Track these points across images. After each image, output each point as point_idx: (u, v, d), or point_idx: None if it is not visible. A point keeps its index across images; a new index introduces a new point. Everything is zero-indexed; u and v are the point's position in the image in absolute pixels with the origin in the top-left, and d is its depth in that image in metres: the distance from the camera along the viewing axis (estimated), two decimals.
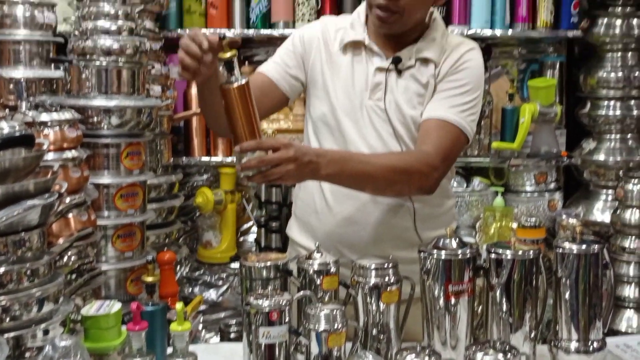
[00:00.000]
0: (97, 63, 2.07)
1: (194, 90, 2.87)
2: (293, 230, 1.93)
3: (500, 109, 2.96)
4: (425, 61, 1.78)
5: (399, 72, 1.78)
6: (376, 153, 1.74)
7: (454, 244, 1.48)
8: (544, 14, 2.92)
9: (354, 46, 1.82)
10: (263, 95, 1.79)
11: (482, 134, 2.97)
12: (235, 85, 1.48)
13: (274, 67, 1.85)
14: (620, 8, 3.00)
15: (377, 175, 1.66)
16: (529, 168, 3.03)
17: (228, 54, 1.48)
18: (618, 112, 3.02)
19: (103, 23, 2.11)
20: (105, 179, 2.04)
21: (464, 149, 1.87)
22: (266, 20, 2.92)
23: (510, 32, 2.93)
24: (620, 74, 3.01)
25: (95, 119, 2.06)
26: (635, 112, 3.00)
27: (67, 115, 1.89)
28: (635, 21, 2.98)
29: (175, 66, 2.95)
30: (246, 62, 3.05)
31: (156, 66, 2.53)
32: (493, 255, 1.47)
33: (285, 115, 2.90)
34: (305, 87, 1.88)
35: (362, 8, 1.86)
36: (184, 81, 2.92)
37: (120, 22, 2.12)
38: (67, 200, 1.73)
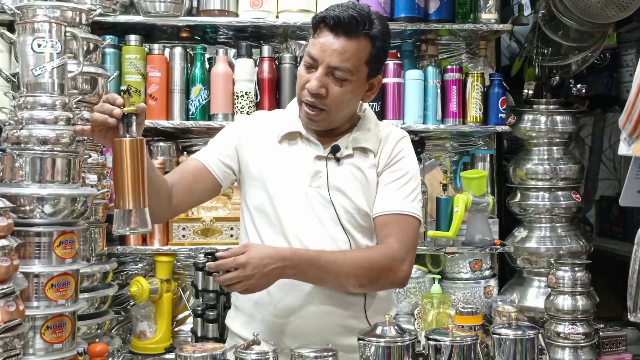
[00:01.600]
0: (32, 152, 2.03)
1: None
2: (232, 320, 1.88)
3: (435, 199, 3.02)
4: (363, 150, 1.81)
5: (338, 161, 1.80)
6: (343, 251, 1.73)
7: (393, 331, 1.47)
8: (473, 110, 3.03)
9: (291, 137, 1.84)
10: (195, 181, 1.78)
11: None
12: (128, 138, 1.46)
13: (207, 154, 1.85)
14: (544, 106, 3.15)
15: (346, 275, 1.66)
16: (464, 256, 3.06)
17: (128, 108, 1.47)
18: (547, 202, 3.12)
19: (40, 113, 2.08)
20: (36, 267, 1.96)
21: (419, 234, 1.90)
22: (205, 112, 2.94)
23: (442, 126, 3.02)
24: (547, 166, 3.13)
25: (27, 207, 1.99)
26: (562, 202, 3.10)
27: None
28: (558, 118, 3.12)
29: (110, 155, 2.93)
30: (184, 153, 3.05)
31: (93, 155, 2.50)
32: (432, 342, 1.47)
33: (224, 204, 2.88)
34: (238, 178, 1.88)
35: (294, 103, 1.89)
36: None
37: (57, 112, 2.09)
38: None
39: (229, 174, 1.85)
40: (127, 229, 1.44)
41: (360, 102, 1.88)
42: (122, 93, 1.46)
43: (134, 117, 1.46)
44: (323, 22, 1.71)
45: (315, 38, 1.73)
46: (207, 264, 1.51)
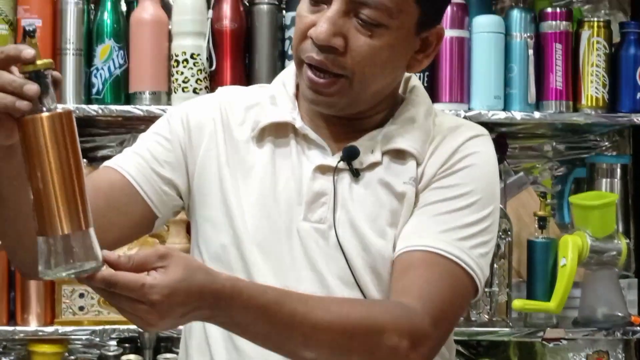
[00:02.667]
0: None
1: None
2: None
3: (526, 243, 3.01)
4: (399, 155, 1.80)
5: (356, 174, 1.79)
6: (324, 299, 1.71)
7: None
8: (592, 88, 3.04)
9: (277, 132, 1.84)
10: (110, 207, 1.76)
11: (496, 284, 2.98)
12: (46, 113, 1.40)
13: (133, 162, 1.83)
14: None
15: (320, 339, 1.63)
16: (577, 345, 3.06)
17: (39, 62, 1.41)
18: None
19: None
20: None
21: (469, 304, 1.87)
22: (121, 89, 2.96)
23: (537, 115, 3.01)
24: None
25: None
26: None
27: None
28: None
29: None
30: (84, 160, 3.03)
31: None
32: None
33: (152, 248, 2.87)
34: (186, 202, 1.89)
35: (289, 72, 1.89)
36: None
37: None
38: None
39: (170, 197, 1.84)
40: (64, 268, 1.42)
41: (408, 75, 1.88)
42: (29, 37, 1.43)
43: (50, 76, 1.43)
44: None
45: None
46: (99, 275, 1.45)
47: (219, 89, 1.99)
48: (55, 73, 1.43)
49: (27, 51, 1.37)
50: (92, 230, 1.44)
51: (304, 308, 1.63)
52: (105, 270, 1.43)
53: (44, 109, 1.39)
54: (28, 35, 1.40)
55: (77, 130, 1.42)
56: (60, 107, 1.41)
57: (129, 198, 1.81)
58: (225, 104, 1.90)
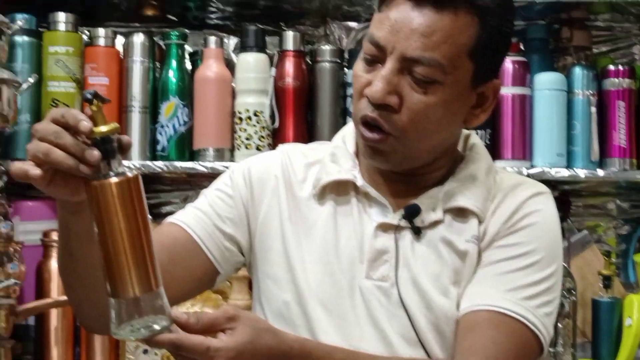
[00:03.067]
0: None
1: (54, 263, 2.85)
2: None
3: (590, 302, 2.99)
4: (461, 213, 1.81)
5: (417, 232, 1.79)
6: (392, 357, 1.72)
7: None
8: None
9: (339, 189, 1.85)
10: (173, 262, 1.77)
11: (560, 344, 2.95)
12: (115, 179, 1.41)
13: (195, 218, 1.85)
14: None
15: None
16: None
17: (104, 128, 1.41)
18: None
19: None
20: None
21: None
22: (185, 146, 2.98)
23: (601, 172, 2.99)
24: None
25: None
26: None
27: None
28: None
29: (25, 222, 2.95)
30: (149, 217, 3.05)
31: None
32: None
33: (214, 306, 2.87)
34: (248, 259, 1.89)
35: (349, 130, 1.91)
36: (38, 247, 2.92)
37: None
38: None
39: (232, 253, 1.86)
40: (135, 328, 1.43)
41: (467, 132, 1.89)
42: (88, 104, 1.43)
43: (115, 142, 1.45)
44: None
45: (382, 12, 1.74)
46: (163, 337, 1.45)
47: (280, 146, 2.01)
48: (125, 138, 1.44)
49: (84, 123, 1.37)
50: (162, 290, 1.45)
51: None
52: (172, 334, 1.45)
53: (111, 173, 1.40)
54: (86, 102, 1.41)
55: (143, 191, 1.44)
56: (128, 169, 1.42)
57: (192, 254, 1.82)
58: (286, 161, 1.91)
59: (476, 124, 1.84)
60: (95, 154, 1.38)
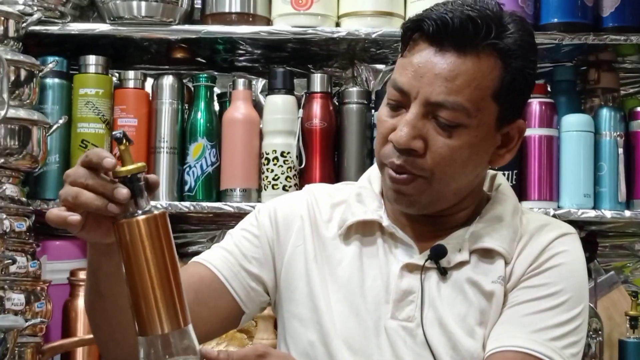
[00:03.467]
0: None
1: (80, 302, 2.86)
2: None
3: (617, 343, 2.96)
4: (487, 254, 1.81)
5: (444, 273, 1.80)
6: None
7: None
8: None
9: (364, 230, 1.85)
10: (199, 302, 1.77)
11: None
12: (142, 216, 1.41)
13: (221, 258, 1.86)
14: None
15: None
16: None
17: (132, 167, 1.42)
18: None
19: None
20: None
21: None
22: (212, 186, 2.99)
23: (628, 213, 2.98)
24: None
25: None
26: None
27: None
28: None
29: (53, 261, 2.97)
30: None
31: (19, 260, 2.55)
32: None
33: (239, 344, 2.87)
34: (273, 298, 1.90)
35: (375, 170, 1.91)
36: (66, 286, 2.93)
37: None
38: None
39: (257, 293, 1.86)
40: None
41: (493, 173, 1.90)
42: (117, 143, 1.44)
43: (142, 180, 1.45)
44: (419, 29, 1.73)
45: (405, 57, 1.75)
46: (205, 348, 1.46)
47: (306, 187, 2.01)
48: (153, 177, 1.45)
49: (108, 160, 1.39)
50: (190, 328, 1.45)
51: None
52: None
53: (139, 211, 1.41)
54: (116, 141, 1.42)
55: (170, 229, 1.44)
56: (155, 207, 1.42)
57: (217, 293, 1.83)
58: (312, 201, 1.92)
59: (502, 164, 1.85)
60: (123, 192, 1.38)
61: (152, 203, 2.74)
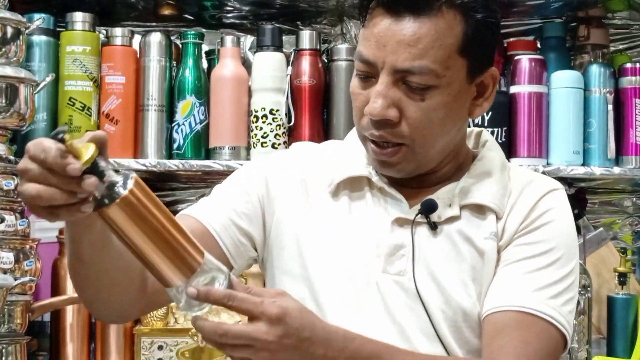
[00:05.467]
0: None
1: None
2: None
3: (606, 299, 2.99)
4: (478, 210, 1.82)
5: (434, 227, 1.81)
6: (428, 355, 1.74)
7: None
8: None
9: (353, 185, 1.86)
10: None
11: (575, 341, 2.95)
12: (121, 195, 1.40)
13: (212, 212, 1.86)
14: None
15: None
16: None
17: (87, 156, 1.38)
18: None
19: None
20: None
21: None
22: (201, 144, 3.00)
23: (617, 170, 3.00)
24: None
25: None
26: None
27: None
28: None
29: (41, 219, 2.97)
30: None
31: (7, 218, 2.57)
32: None
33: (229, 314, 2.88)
34: (261, 254, 1.91)
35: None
36: (54, 244, 2.95)
37: None
38: None
39: (246, 248, 1.87)
40: (198, 303, 1.46)
41: (478, 130, 1.91)
42: (61, 143, 1.40)
43: (102, 161, 1.41)
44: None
45: (367, 28, 1.76)
46: (198, 288, 1.46)
47: (294, 145, 2.03)
48: (98, 136, 1.41)
49: (72, 167, 1.34)
50: (207, 255, 1.47)
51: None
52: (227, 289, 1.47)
53: (115, 188, 1.39)
54: (59, 142, 1.36)
55: (147, 187, 1.43)
56: (122, 173, 1.41)
57: (207, 247, 1.80)
58: (300, 159, 1.93)
59: (481, 113, 1.87)
60: (92, 181, 1.36)
61: (142, 162, 2.76)
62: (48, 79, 2.84)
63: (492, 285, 1.79)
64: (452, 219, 1.81)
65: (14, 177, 2.65)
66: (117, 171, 1.41)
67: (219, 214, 1.85)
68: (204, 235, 1.82)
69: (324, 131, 3.01)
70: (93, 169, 1.38)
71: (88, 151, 1.38)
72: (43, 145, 1.36)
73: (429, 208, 1.79)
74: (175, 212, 3.08)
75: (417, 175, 1.82)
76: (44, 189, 1.36)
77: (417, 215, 1.80)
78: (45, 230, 2.95)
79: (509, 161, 1.95)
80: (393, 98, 1.72)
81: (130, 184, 1.40)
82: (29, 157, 1.37)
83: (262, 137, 2.96)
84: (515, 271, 1.78)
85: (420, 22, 1.70)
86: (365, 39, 1.75)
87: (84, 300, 1.78)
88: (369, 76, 1.75)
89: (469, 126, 1.92)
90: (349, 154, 1.89)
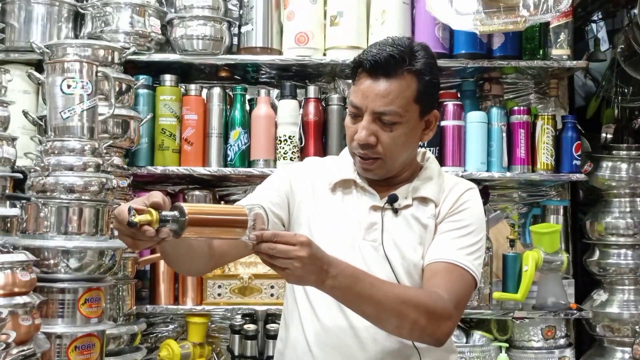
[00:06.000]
0: (58, 201, 2.08)
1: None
2: None
3: (502, 256, 2.98)
4: (423, 200, 1.82)
5: (395, 212, 1.81)
6: (392, 282, 1.73)
7: None
8: (544, 157, 3.00)
9: (344, 185, 1.86)
10: None
11: (482, 283, 2.95)
12: (185, 222, 1.39)
13: (255, 201, 1.85)
14: (625, 151, 3.11)
15: (389, 309, 1.63)
16: (535, 321, 3.00)
17: (153, 220, 1.37)
18: (630, 261, 3.06)
19: (67, 158, 2.14)
20: (59, 328, 2.00)
21: (472, 296, 1.87)
22: (245, 158, 2.97)
23: (508, 174, 3.00)
24: (630, 220, 3.08)
25: (52, 261, 2.05)
26: None
27: (20, 257, 1.87)
28: None
29: None
30: (222, 202, 3.08)
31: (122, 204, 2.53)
32: None
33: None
34: (287, 228, 1.89)
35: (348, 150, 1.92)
36: None
37: (85, 158, 2.16)
38: (15, 351, 1.68)
39: (278, 226, 1.86)
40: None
41: (423, 150, 1.92)
42: (133, 225, 1.37)
43: (162, 213, 1.39)
44: (360, 66, 1.76)
45: (356, 85, 1.77)
46: (264, 234, 1.48)
47: (307, 159, 2.03)
48: (155, 200, 1.42)
49: (149, 233, 1.38)
50: (246, 209, 1.48)
51: (379, 283, 1.65)
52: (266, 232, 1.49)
53: (179, 220, 1.38)
54: (132, 226, 1.36)
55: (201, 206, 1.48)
56: (185, 208, 1.40)
57: None
58: (311, 168, 1.93)
59: (428, 139, 1.87)
60: (165, 231, 1.39)
61: (207, 169, 2.73)
62: (148, 117, 2.85)
63: (431, 247, 1.79)
64: (407, 206, 1.81)
65: (127, 178, 2.66)
66: (173, 207, 1.42)
67: (260, 202, 1.85)
68: None
69: (322, 150, 2.99)
70: (160, 221, 1.38)
71: (153, 217, 1.37)
72: (122, 223, 1.41)
73: (392, 199, 1.80)
74: (229, 201, 3.11)
75: (386, 178, 1.83)
76: (131, 242, 1.43)
77: (385, 204, 1.80)
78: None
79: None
80: (372, 130, 1.73)
81: (185, 210, 1.40)
82: (120, 222, 1.41)
83: (284, 153, 2.95)
84: (445, 237, 1.79)
85: (389, 82, 1.72)
86: (355, 92, 1.76)
87: (171, 267, 1.81)
88: (357, 115, 1.76)
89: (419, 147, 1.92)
90: (342, 164, 1.89)
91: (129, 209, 1.35)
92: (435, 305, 1.68)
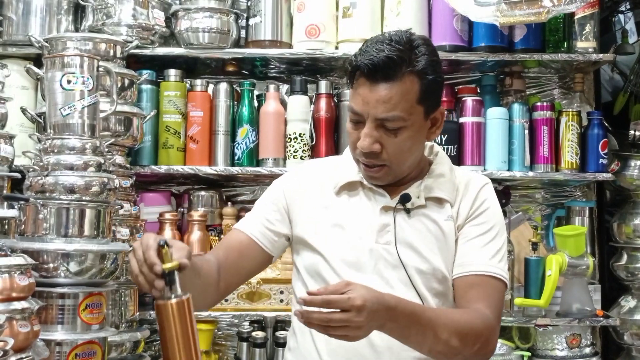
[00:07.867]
0: (57, 202, 2.09)
1: (167, 233, 2.88)
2: None
3: (523, 260, 2.98)
4: (438, 201, 1.82)
5: (408, 212, 1.81)
6: (443, 310, 1.76)
7: None
8: (569, 155, 3.00)
9: (351, 187, 1.86)
10: (242, 258, 1.83)
11: None
12: (174, 300, 1.44)
13: (252, 223, 1.88)
14: None
15: (444, 340, 1.65)
16: (559, 329, 2.99)
17: (169, 265, 1.44)
18: None
19: (67, 157, 2.15)
20: (59, 334, 2.01)
21: None
22: (253, 156, 2.98)
23: (530, 174, 2.99)
24: None
25: (51, 264, 2.06)
26: None
27: (18, 260, 1.89)
28: None
29: (148, 206, 2.99)
30: (229, 203, 3.08)
31: (125, 206, 2.56)
32: None
33: (272, 264, 2.89)
34: (291, 240, 1.90)
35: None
36: (156, 223, 2.94)
37: (86, 157, 2.17)
38: (13, 359, 1.69)
39: (280, 242, 1.88)
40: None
41: (431, 144, 1.90)
42: (161, 248, 1.45)
43: (176, 274, 1.45)
44: (357, 70, 1.73)
45: (354, 89, 1.75)
46: (303, 297, 1.50)
47: (306, 162, 2.05)
48: (183, 262, 1.46)
49: (157, 267, 1.44)
50: None
51: (435, 316, 1.66)
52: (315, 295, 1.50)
53: (172, 295, 1.44)
54: (160, 246, 1.44)
55: (193, 309, 1.47)
56: (183, 293, 1.45)
57: (254, 251, 1.85)
58: (310, 172, 1.93)
59: (435, 137, 1.87)
60: (159, 284, 1.44)
61: (214, 168, 2.75)
62: (152, 113, 2.86)
63: (459, 255, 1.81)
64: (420, 207, 1.81)
65: (129, 178, 2.67)
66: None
67: (258, 224, 1.87)
68: (250, 243, 1.85)
69: (334, 148, 3.00)
70: (169, 276, 1.43)
71: (172, 264, 1.43)
72: (149, 242, 1.47)
73: (405, 199, 1.80)
74: (235, 202, 3.12)
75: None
76: (135, 275, 1.48)
77: (397, 204, 1.80)
78: (150, 214, 2.95)
79: (456, 166, 1.96)
80: (376, 137, 1.72)
81: (187, 297, 1.45)
82: (140, 242, 1.49)
83: (294, 152, 2.95)
84: (473, 245, 1.80)
85: (390, 86, 1.70)
86: (353, 97, 1.75)
87: None
88: (359, 121, 1.74)
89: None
90: (345, 165, 1.88)
91: (164, 241, 1.45)
92: (485, 326, 1.71)
